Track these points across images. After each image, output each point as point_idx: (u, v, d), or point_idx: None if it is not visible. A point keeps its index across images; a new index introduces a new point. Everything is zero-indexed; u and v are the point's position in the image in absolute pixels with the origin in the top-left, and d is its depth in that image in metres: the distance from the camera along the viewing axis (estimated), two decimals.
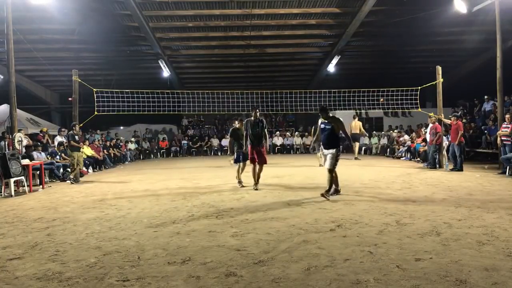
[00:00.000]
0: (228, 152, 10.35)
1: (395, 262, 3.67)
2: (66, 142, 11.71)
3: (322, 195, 6.98)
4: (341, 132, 7.15)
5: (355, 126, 16.53)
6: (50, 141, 14.45)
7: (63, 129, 13.66)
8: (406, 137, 16.65)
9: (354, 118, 17.08)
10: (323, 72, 22.60)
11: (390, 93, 14.88)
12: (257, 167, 8.40)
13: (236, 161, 8.87)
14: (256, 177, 8.43)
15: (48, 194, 8.86)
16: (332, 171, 7.01)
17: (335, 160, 7.00)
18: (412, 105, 14.35)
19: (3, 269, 3.80)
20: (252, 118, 8.43)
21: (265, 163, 8.52)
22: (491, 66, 12.15)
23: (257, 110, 8.51)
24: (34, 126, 16.32)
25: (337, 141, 7.09)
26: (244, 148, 8.50)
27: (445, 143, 12.21)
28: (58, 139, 13.21)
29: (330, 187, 7.06)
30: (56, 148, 12.71)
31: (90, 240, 4.72)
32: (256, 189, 8.22)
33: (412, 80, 16.67)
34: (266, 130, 8.50)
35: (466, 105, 18.75)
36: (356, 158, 15.70)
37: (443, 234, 4.56)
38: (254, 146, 8.30)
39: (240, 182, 8.87)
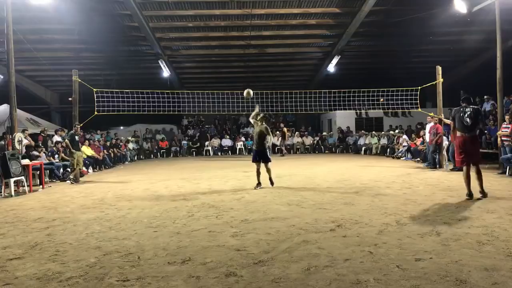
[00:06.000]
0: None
1: (395, 262, 3.67)
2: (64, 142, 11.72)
3: None
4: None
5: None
6: (49, 141, 14.45)
7: (62, 130, 13.67)
8: (405, 137, 16.65)
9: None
10: (323, 72, 22.60)
11: (390, 93, 14.88)
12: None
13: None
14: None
15: (48, 194, 8.86)
16: None
17: None
18: (412, 105, 14.35)
19: (3, 269, 3.79)
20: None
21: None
22: (491, 66, 12.14)
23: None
24: (34, 126, 16.32)
25: None
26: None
27: (445, 143, 12.21)
28: (56, 138, 13.22)
29: None
30: (54, 147, 12.71)
31: (90, 240, 4.72)
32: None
33: (412, 80, 16.68)
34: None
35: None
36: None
37: (443, 234, 4.56)
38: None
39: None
